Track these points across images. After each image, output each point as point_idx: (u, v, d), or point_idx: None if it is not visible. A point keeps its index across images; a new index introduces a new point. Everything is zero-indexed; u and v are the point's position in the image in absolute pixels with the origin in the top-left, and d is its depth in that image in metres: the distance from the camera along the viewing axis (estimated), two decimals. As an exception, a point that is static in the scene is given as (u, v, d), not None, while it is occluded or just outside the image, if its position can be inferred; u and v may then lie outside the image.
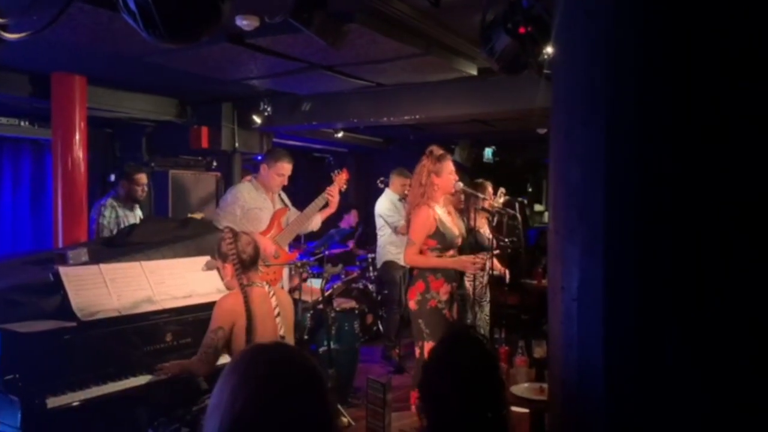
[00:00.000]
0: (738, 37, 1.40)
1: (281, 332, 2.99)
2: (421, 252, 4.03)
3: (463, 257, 4.07)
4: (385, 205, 6.29)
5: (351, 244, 7.96)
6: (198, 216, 5.43)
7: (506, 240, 5.08)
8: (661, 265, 1.43)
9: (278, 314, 3.01)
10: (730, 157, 1.41)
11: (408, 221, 4.16)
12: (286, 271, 4.81)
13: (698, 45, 1.42)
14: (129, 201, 5.27)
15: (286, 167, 4.74)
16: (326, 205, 4.79)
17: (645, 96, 1.45)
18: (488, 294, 5.20)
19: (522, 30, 2.69)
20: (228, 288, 3.13)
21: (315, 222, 4.97)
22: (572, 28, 1.56)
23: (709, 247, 1.41)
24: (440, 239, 4.00)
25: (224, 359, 3.08)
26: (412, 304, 4.02)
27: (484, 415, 1.65)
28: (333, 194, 4.77)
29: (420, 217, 4.00)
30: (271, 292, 3.06)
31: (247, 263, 2.99)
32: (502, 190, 5.46)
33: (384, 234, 6.30)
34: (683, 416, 1.42)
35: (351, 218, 7.99)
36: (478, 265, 4.10)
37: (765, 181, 1.39)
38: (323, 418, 1.30)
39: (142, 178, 5.38)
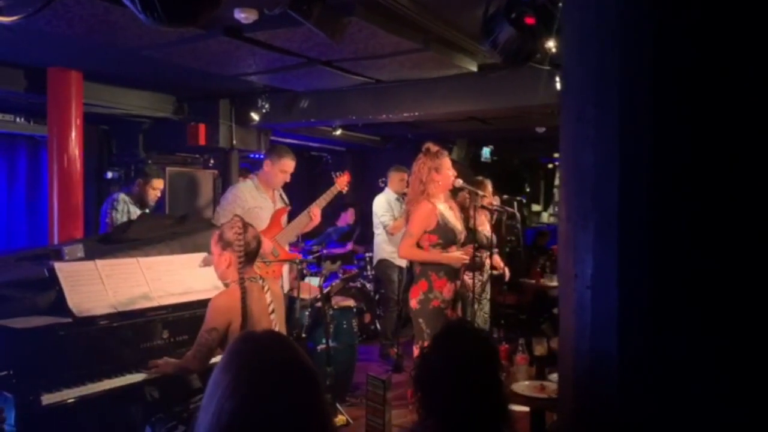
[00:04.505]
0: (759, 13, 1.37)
1: (276, 329, 2.94)
2: (420, 247, 3.99)
3: (453, 253, 4.00)
4: (381, 204, 6.27)
5: (350, 245, 7.93)
6: None
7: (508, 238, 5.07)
8: (677, 251, 1.40)
9: (273, 311, 2.96)
10: (749, 140, 1.37)
11: (407, 219, 4.13)
12: (285, 270, 4.78)
13: (716, 24, 1.38)
14: (139, 203, 5.25)
15: (289, 164, 4.74)
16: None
17: (661, 76, 1.41)
18: (488, 292, 5.18)
19: (528, 20, 2.66)
20: (221, 279, 3.06)
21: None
22: (583, 9, 1.52)
23: (726, 233, 1.37)
24: (442, 235, 3.96)
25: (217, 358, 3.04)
26: (413, 303, 3.98)
27: (482, 405, 1.63)
28: (315, 214, 4.74)
29: (420, 211, 3.98)
30: (266, 287, 3.00)
31: (250, 256, 2.95)
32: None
33: (380, 233, 6.28)
34: (698, 406, 1.39)
35: (348, 216, 7.96)
36: (467, 260, 4.04)
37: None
38: (317, 411, 1.27)
39: (160, 183, 5.36)
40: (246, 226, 2.94)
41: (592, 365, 1.48)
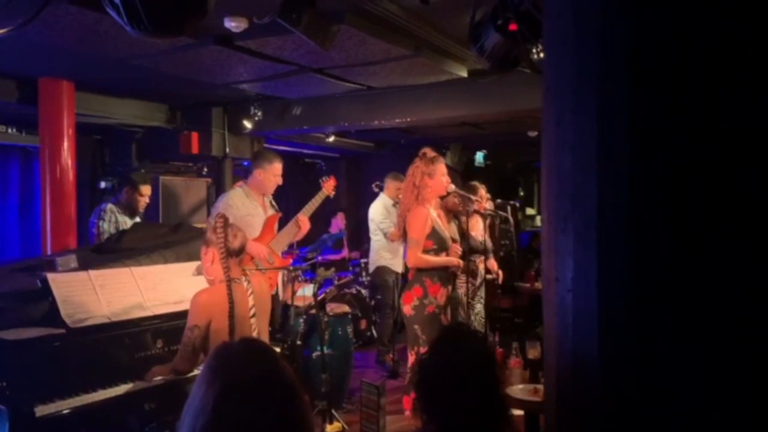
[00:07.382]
0: (734, 22, 1.39)
1: (254, 334, 2.86)
2: None
3: (451, 257, 4.06)
4: (378, 210, 6.27)
5: (344, 252, 7.94)
6: None
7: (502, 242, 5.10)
8: (656, 253, 1.41)
9: (253, 315, 2.88)
10: (726, 142, 1.39)
11: (401, 225, 4.13)
12: (280, 277, 4.79)
13: (692, 30, 1.41)
14: (128, 211, 5.23)
15: (280, 167, 4.76)
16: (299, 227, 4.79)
17: (638, 81, 1.43)
18: (482, 296, 5.18)
19: (512, 27, 2.69)
20: (206, 275, 2.98)
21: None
22: (561, 14, 1.55)
23: (704, 234, 1.39)
24: (436, 240, 3.98)
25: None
26: (407, 309, 3.98)
27: (483, 406, 1.63)
28: (303, 222, 4.75)
29: (418, 217, 3.98)
30: (249, 290, 2.92)
31: (232, 252, 2.88)
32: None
33: (378, 239, 6.28)
34: (679, 404, 1.40)
35: (339, 221, 7.98)
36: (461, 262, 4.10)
37: (762, 168, 1.38)
38: (296, 423, 1.25)
39: (147, 189, 5.35)
40: (227, 223, 2.91)
41: (575, 366, 1.50)
